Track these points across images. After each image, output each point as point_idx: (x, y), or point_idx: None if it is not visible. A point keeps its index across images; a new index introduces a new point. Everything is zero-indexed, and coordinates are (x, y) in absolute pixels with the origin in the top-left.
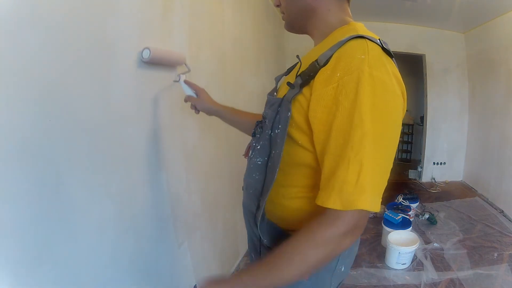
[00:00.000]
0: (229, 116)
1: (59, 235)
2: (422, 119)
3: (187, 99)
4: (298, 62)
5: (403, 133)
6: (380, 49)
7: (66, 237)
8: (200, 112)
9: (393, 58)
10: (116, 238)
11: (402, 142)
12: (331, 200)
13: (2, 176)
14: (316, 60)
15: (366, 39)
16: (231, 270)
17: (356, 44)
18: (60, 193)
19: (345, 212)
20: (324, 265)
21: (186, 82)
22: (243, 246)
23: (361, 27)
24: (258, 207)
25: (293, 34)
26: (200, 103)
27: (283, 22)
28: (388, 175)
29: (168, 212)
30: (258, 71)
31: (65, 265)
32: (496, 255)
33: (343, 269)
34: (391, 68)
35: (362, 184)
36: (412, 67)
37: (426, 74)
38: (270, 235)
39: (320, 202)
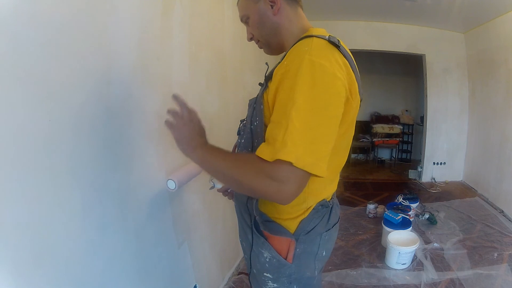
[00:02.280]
0: None
1: (59, 235)
2: (422, 119)
3: (222, 190)
4: (268, 68)
5: (403, 133)
6: (325, 42)
7: (66, 237)
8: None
9: (341, 48)
10: (116, 238)
11: (402, 142)
12: (263, 152)
13: (2, 176)
14: (279, 61)
15: (313, 37)
16: (231, 270)
17: (303, 41)
18: (60, 193)
19: (273, 163)
20: (241, 187)
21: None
22: None
23: (316, 30)
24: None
25: None
26: None
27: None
28: (327, 145)
29: (168, 212)
30: (258, 71)
31: (65, 265)
32: (496, 255)
33: (324, 253)
34: (336, 56)
35: (285, 140)
36: (412, 67)
37: (426, 74)
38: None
39: (257, 153)
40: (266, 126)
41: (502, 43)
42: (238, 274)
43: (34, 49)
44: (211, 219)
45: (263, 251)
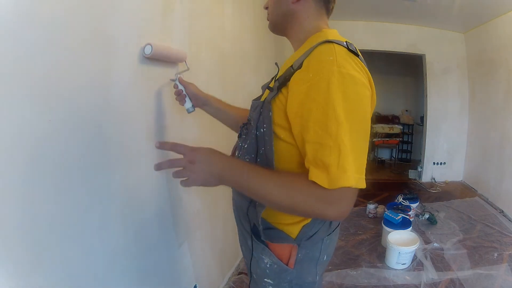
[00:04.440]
0: (216, 104)
1: (59, 235)
2: (422, 119)
3: (176, 92)
4: (278, 69)
5: (403, 133)
6: (345, 49)
7: (66, 237)
8: (198, 110)
9: (360, 56)
10: (116, 238)
11: (402, 142)
12: (320, 179)
13: (2, 176)
14: (291, 66)
15: (333, 43)
16: (231, 270)
17: (324, 48)
18: (60, 193)
19: (332, 190)
20: (292, 212)
21: (180, 80)
22: None
23: (331, 33)
24: (251, 201)
25: None
26: (188, 89)
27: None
28: (366, 154)
29: (168, 212)
30: (258, 71)
31: (65, 265)
32: (496, 255)
33: (325, 258)
34: (358, 64)
35: (343, 165)
36: (412, 67)
37: (426, 74)
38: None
39: (311, 177)
40: (276, 134)
41: (502, 43)
42: (238, 274)
43: (34, 49)
44: (211, 219)
45: (263, 257)
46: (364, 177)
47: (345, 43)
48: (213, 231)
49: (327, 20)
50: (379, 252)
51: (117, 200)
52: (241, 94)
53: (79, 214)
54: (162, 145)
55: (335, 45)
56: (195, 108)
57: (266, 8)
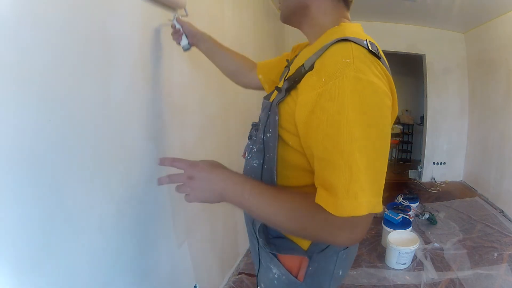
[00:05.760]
0: (211, 42)
1: (59, 235)
2: (422, 119)
3: (173, 31)
4: (289, 66)
5: (403, 133)
6: (365, 50)
7: (66, 237)
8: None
9: (382, 59)
10: (116, 238)
11: (402, 142)
12: (326, 203)
13: (2, 176)
14: (303, 65)
15: (351, 42)
16: (231, 270)
17: (339, 47)
18: (60, 193)
19: (340, 216)
20: (299, 236)
21: (178, 20)
22: (243, 246)
23: (350, 29)
24: None
25: (293, 32)
26: (185, 27)
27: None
28: (385, 173)
29: (168, 212)
30: None
31: (65, 265)
32: (496, 255)
33: (340, 273)
34: (378, 68)
35: (354, 191)
36: (412, 67)
37: (426, 74)
38: (265, 235)
39: (317, 200)
40: (280, 138)
41: (502, 43)
42: (238, 274)
43: (34, 49)
44: (211, 219)
45: (271, 266)
46: (381, 199)
47: (365, 42)
48: (213, 231)
49: (347, 14)
50: (379, 252)
51: (117, 200)
52: (241, 95)
53: (79, 214)
54: (162, 161)
55: (353, 44)
56: (191, 47)
57: None
